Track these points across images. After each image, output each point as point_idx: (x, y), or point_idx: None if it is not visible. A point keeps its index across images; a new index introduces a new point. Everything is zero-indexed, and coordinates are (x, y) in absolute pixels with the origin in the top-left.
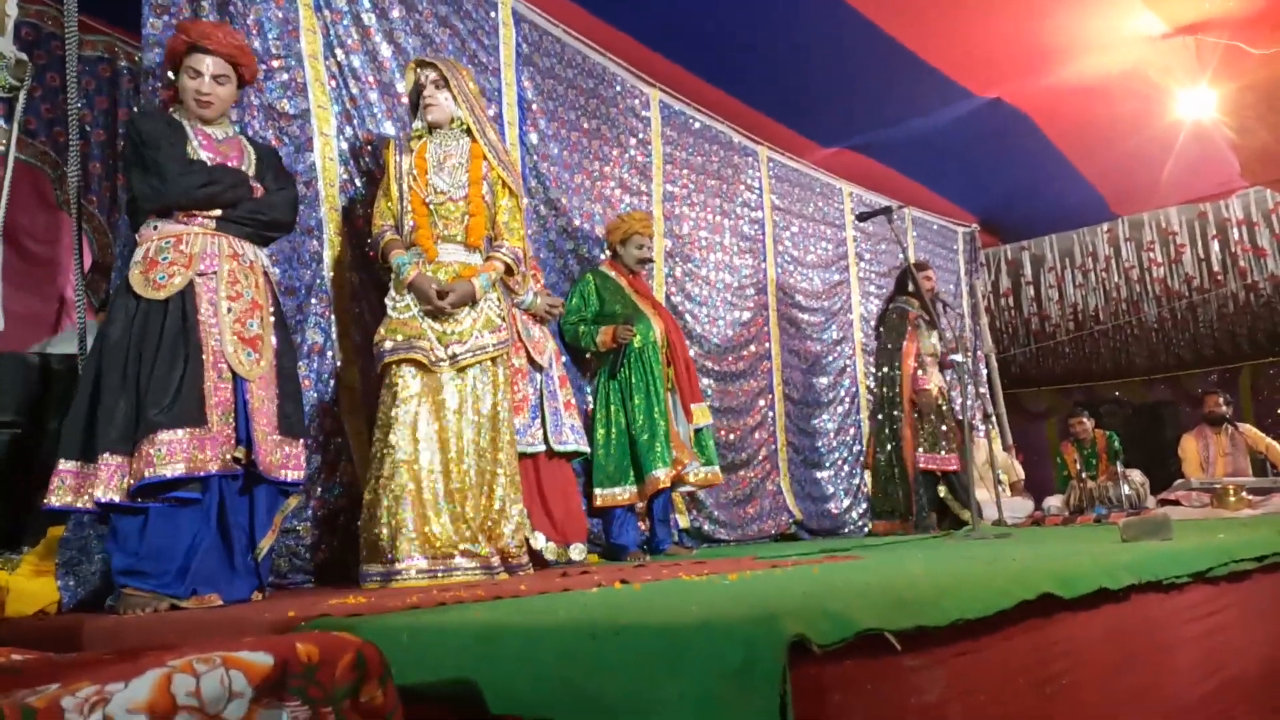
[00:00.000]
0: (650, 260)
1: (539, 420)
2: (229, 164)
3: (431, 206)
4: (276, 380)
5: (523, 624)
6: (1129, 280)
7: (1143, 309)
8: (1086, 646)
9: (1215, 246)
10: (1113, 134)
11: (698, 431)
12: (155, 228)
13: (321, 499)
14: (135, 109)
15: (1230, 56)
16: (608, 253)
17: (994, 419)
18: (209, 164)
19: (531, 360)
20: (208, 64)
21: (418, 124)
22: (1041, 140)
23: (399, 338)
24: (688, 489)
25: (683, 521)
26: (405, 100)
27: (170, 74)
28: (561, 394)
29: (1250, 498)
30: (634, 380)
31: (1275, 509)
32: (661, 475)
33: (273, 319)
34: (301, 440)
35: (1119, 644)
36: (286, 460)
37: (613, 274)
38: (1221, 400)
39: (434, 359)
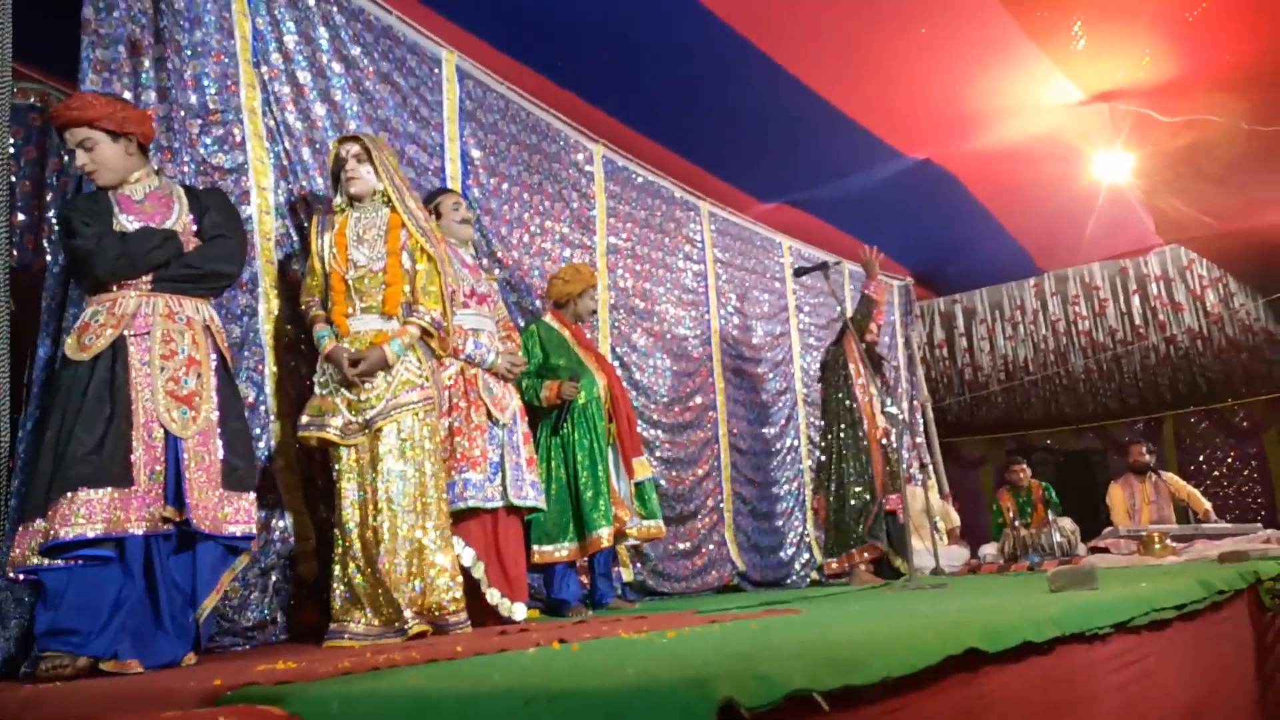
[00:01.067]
0: (595, 312)
1: (499, 476)
2: (153, 223)
3: (350, 282)
4: (221, 434)
5: (457, 690)
6: (1056, 332)
7: (1070, 360)
8: (1012, 699)
9: (1136, 301)
10: (1036, 194)
11: (639, 485)
12: (96, 295)
13: (253, 557)
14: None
15: (1142, 123)
16: (548, 304)
17: (930, 468)
18: (128, 232)
19: (491, 416)
20: (68, 138)
21: (339, 199)
22: (969, 199)
23: (312, 413)
24: (629, 543)
25: (626, 575)
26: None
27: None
28: (525, 450)
29: (1174, 545)
30: (577, 436)
31: (1197, 555)
32: (604, 534)
33: (215, 374)
34: (251, 493)
35: (1044, 695)
36: (236, 515)
37: (557, 326)
38: (1145, 450)
39: (345, 433)
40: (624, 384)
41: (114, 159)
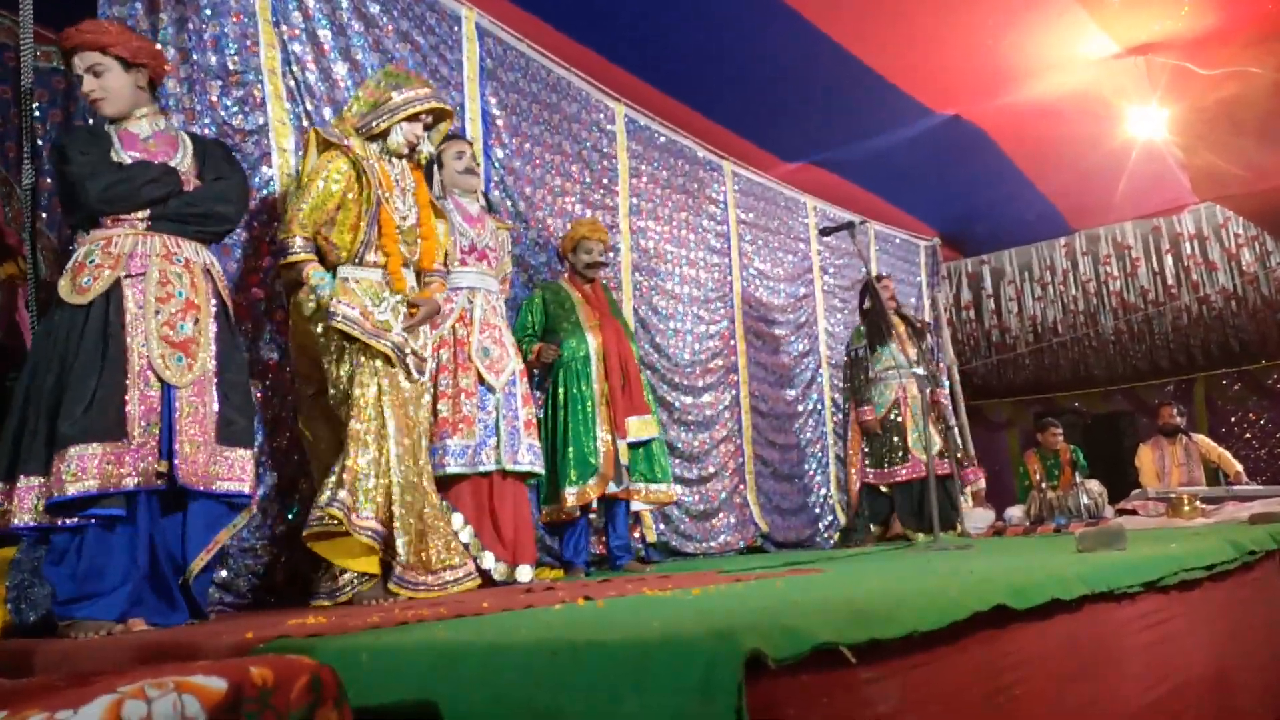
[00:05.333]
0: (601, 265)
1: (494, 440)
2: (154, 160)
3: (400, 234)
4: (219, 385)
5: (484, 643)
6: (1086, 293)
7: (1100, 321)
8: (1039, 656)
9: (1169, 261)
10: (1068, 151)
11: (646, 446)
12: (87, 233)
13: (281, 516)
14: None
15: (1179, 77)
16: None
17: (955, 430)
18: (124, 163)
19: (483, 380)
20: (77, 62)
21: (396, 138)
22: (999, 156)
23: (394, 337)
24: (639, 507)
25: (650, 536)
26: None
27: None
28: (524, 412)
29: (1204, 507)
30: (561, 395)
31: (1227, 517)
32: (570, 493)
33: (214, 320)
34: (249, 450)
35: (1071, 653)
36: (230, 471)
37: (567, 287)
38: (1175, 412)
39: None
40: (645, 345)
41: (122, 89)
